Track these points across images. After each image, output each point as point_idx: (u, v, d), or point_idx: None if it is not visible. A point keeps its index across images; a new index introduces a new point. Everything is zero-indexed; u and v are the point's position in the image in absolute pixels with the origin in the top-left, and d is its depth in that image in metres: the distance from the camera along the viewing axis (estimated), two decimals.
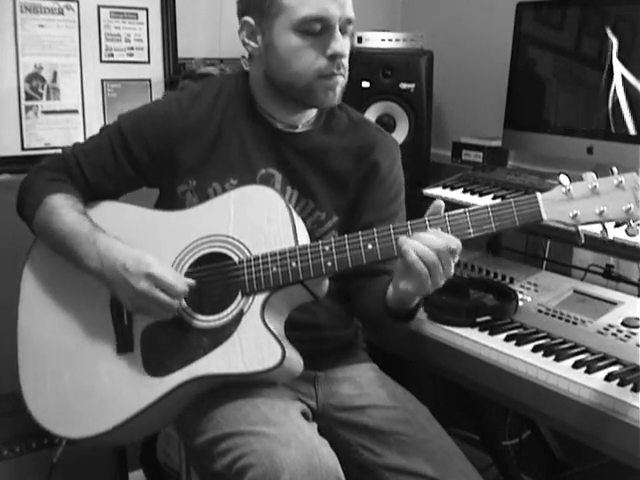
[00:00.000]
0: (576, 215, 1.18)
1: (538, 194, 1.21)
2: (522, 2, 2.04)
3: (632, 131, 1.80)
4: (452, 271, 1.22)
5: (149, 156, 1.45)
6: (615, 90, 1.82)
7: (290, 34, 1.34)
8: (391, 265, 1.44)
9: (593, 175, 1.19)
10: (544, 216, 1.20)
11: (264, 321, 1.29)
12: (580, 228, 1.21)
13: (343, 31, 1.35)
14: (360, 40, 2.23)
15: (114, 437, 1.37)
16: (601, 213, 1.17)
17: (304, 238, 1.34)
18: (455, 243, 1.20)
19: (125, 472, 2.08)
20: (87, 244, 1.34)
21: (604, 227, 1.20)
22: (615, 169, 1.19)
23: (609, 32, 1.83)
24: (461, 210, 1.23)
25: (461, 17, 2.49)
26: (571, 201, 1.19)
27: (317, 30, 1.33)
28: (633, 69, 1.79)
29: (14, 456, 1.92)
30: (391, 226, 1.26)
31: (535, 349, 1.49)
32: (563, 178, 1.21)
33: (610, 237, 1.20)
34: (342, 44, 1.34)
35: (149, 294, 1.28)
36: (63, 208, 1.39)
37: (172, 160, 1.44)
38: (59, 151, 1.52)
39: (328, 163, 1.47)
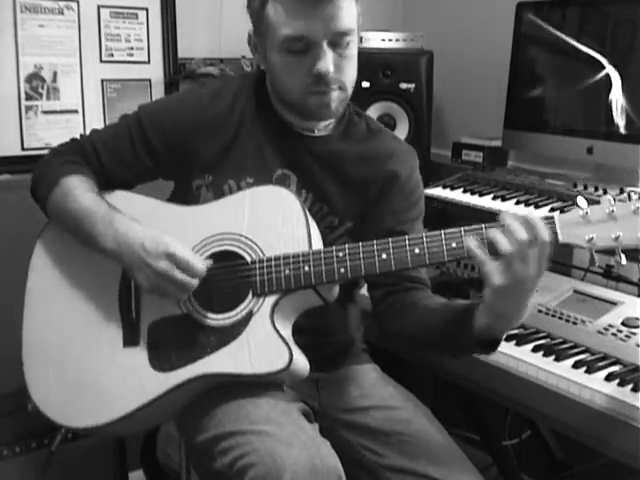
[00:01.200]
0: (592, 239, 1.17)
1: (555, 215, 1.20)
2: (522, 2, 2.04)
3: (632, 131, 1.80)
4: (530, 270, 1.14)
5: (167, 149, 1.45)
6: (615, 90, 1.82)
7: (276, 52, 1.33)
8: (421, 273, 1.45)
9: (610, 199, 1.18)
10: (560, 238, 1.18)
11: (273, 323, 1.28)
12: (594, 251, 1.20)
13: (336, 45, 1.32)
14: (360, 40, 2.21)
15: (116, 428, 1.37)
16: (617, 238, 1.16)
17: (317, 242, 1.33)
18: (534, 235, 1.14)
19: (125, 472, 2.08)
20: (103, 224, 1.34)
21: (619, 255, 1.19)
22: (634, 195, 1.18)
23: (609, 32, 1.83)
24: (478, 225, 1.23)
25: (461, 17, 2.49)
26: (588, 225, 1.18)
27: (300, 49, 1.30)
28: (633, 69, 1.79)
29: (14, 456, 1.92)
30: (406, 237, 1.25)
31: (535, 349, 1.49)
32: (581, 201, 1.19)
33: (624, 262, 1.19)
34: (327, 62, 1.30)
35: (168, 273, 1.27)
36: (79, 189, 1.39)
37: (189, 154, 1.44)
38: (76, 136, 1.51)
39: (345, 169, 1.46)
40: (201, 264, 1.29)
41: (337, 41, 1.32)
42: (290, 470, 1.16)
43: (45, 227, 1.48)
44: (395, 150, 1.50)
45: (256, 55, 1.42)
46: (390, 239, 1.26)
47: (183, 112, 1.45)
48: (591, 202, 1.19)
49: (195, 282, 1.29)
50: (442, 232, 1.23)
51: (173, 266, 1.27)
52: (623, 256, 1.18)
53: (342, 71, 1.34)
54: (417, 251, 1.24)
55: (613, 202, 1.18)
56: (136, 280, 1.32)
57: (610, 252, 1.20)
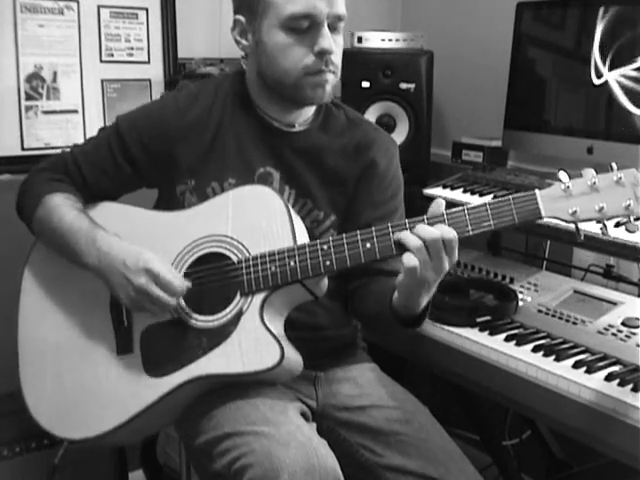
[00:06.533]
0: (575, 212, 1.18)
1: (537, 191, 1.20)
2: (522, 2, 2.04)
3: (632, 131, 1.80)
4: (445, 265, 1.21)
5: (147, 156, 1.45)
6: (615, 90, 1.82)
7: (278, 31, 1.33)
8: (392, 265, 1.45)
9: (592, 171, 1.18)
10: (543, 213, 1.19)
11: (263, 321, 1.29)
12: (580, 225, 1.21)
13: (332, 28, 1.35)
14: (360, 40, 2.22)
15: (115, 438, 1.37)
16: (600, 210, 1.16)
17: (303, 237, 1.34)
18: (449, 234, 1.19)
19: (125, 472, 2.08)
20: (86, 242, 1.35)
21: (604, 224, 1.19)
22: (615, 165, 1.18)
23: (609, 32, 1.83)
24: (460, 208, 1.23)
25: (461, 17, 2.49)
26: (570, 198, 1.18)
27: (304, 27, 1.32)
28: (632, 69, 1.79)
29: (14, 456, 1.92)
30: (389, 224, 1.26)
31: (535, 349, 1.49)
32: (562, 175, 1.20)
33: (610, 234, 1.19)
34: (330, 41, 1.33)
35: (147, 290, 1.28)
36: (62, 207, 1.40)
37: (170, 160, 1.44)
38: (59, 152, 1.53)
39: (326, 162, 1.46)
40: (179, 283, 1.29)
41: (335, 24, 1.35)
42: (287, 470, 1.16)
43: (34, 245, 1.49)
44: (375, 139, 1.50)
45: (242, 42, 1.41)
46: (373, 228, 1.26)
47: (160, 118, 1.45)
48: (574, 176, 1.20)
49: (173, 301, 1.29)
50: (424, 217, 1.23)
51: (151, 282, 1.28)
52: (609, 226, 1.19)
53: (336, 55, 1.37)
54: None
55: (595, 174, 1.18)
56: (118, 297, 1.33)
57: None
